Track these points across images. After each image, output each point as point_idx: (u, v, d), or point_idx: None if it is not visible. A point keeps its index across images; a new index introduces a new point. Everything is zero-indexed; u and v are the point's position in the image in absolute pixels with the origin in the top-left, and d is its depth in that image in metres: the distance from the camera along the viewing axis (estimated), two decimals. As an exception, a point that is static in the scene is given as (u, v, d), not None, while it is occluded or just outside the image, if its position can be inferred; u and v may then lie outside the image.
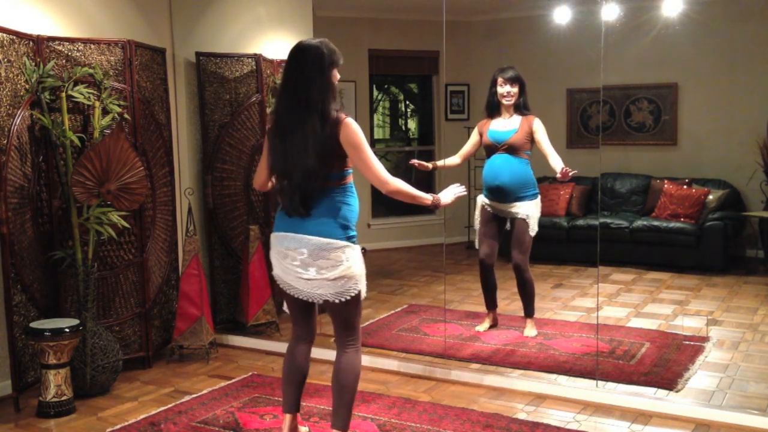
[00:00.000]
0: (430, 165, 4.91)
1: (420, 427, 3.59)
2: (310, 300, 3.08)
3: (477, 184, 6.24)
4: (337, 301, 3.03)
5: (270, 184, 3.32)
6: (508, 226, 4.88)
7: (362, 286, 3.09)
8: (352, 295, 3.05)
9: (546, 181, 6.77)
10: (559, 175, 4.52)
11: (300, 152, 2.95)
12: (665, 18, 6.40)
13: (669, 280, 6.45)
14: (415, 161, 4.76)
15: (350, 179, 3.10)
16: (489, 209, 4.90)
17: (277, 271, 3.15)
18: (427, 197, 3.19)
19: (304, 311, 3.23)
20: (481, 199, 4.96)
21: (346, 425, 3.16)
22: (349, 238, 3.05)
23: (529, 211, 4.76)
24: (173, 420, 3.73)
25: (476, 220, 5.01)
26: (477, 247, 5.02)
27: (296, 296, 3.11)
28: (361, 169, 3.02)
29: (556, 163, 4.63)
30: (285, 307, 3.30)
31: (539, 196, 4.83)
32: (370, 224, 7.67)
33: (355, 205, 3.12)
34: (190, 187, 5.00)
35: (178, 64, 5.10)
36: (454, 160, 5.03)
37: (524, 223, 4.76)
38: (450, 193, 3.30)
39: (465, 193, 3.36)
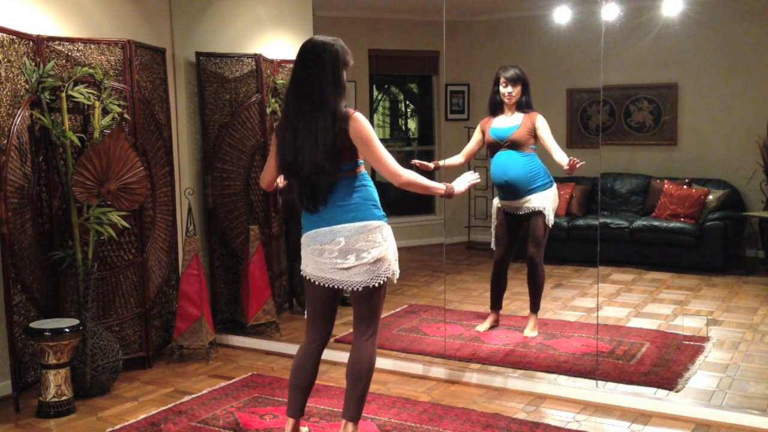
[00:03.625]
0: (431, 165, 4.90)
1: (420, 427, 3.59)
2: (351, 288, 3.08)
3: (478, 184, 6.25)
4: (375, 284, 3.05)
5: (276, 184, 3.35)
6: (525, 223, 4.86)
7: (395, 267, 3.13)
8: (386, 278, 3.08)
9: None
10: (566, 167, 4.49)
11: (310, 148, 2.96)
12: (665, 18, 6.40)
13: (669, 280, 6.45)
14: (416, 161, 4.76)
15: (362, 168, 3.11)
16: (504, 209, 4.89)
17: (310, 270, 3.15)
18: (440, 186, 3.19)
19: (327, 311, 3.23)
20: (496, 201, 4.96)
21: (357, 416, 3.16)
22: (381, 217, 3.09)
23: (543, 202, 4.73)
24: (173, 420, 3.73)
25: (493, 222, 4.99)
26: (493, 247, 5.01)
27: (329, 287, 3.11)
28: (372, 162, 3.03)
29: (561, 157, 4.60)
30: (305, 314, 3.28)
31: (554, 186, 4.79)
32: (370, 224, 7.66)
33: (373, 186, 3.13)
34: (190, 187, 5.00)
35: (178, 64, 5.10)
36: (457, 159, 5.01)
37: (540, 215, 4.74)
38: (464, 181, 3.29)
39: (479, 180, 3.35)
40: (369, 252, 3.02)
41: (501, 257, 4.94)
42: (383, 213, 3.13)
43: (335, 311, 3.27)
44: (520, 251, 5.02)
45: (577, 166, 4.44)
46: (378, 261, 3.04)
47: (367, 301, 3.12)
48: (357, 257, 3.02)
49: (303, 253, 3.19)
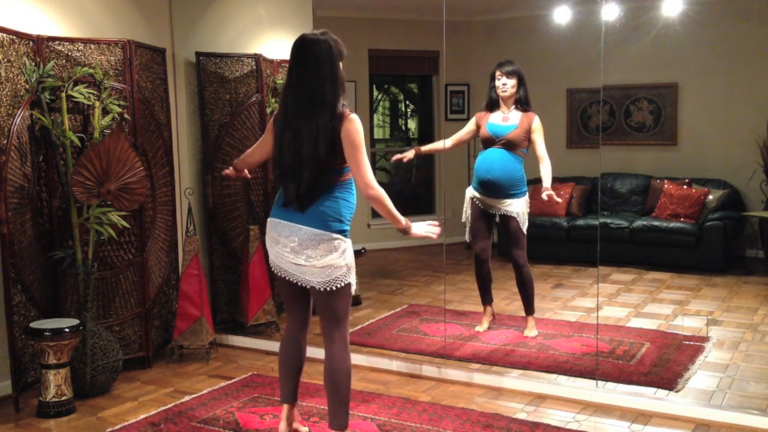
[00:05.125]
0: (411, 153, 4.92)
1: (420, 427, 3.59)
2: (300, 284, 3.11)
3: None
4: (322, 289, 3.05)
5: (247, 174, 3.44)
6: (497, 219, 4.89)
7: (351, 279, 3.11)
8: (339, 286, 3.06)
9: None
10: (544, 196, 4.62)
11: (313, 147, 2.97)
12: (665, 18, 6.40)
13: (669, 280, 6.45)
14: (396, 156, 4.81)
15: (350, 176, 3.11)
16: (479, 204, 4.90)
17: (272, 257, 3.19)
18: (401, 220, 3.15)
19: (298, 297, 3.25)
20: (471, 192, 4.94)
21: (345, 424, 3.16)
22: (340, 232, 3.07)
23: (520, 208, 4.77)
24: (173, 420, 3.73)
25: (466, 211, 5.00)
26: (467, 239, 5.02)
27: (287, 279, 3.14)
28: (352, 167, 3.03)
29: (546, 175, 4.69)
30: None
31: (527, 195, 4.84)
32: (370, 224, 7.67)
33: (352, 201, 3.13)
34: (190, 187, 5.00)
35: (178, 64, 5.10)
36: (440, 144, 5.08)
37: (516, 220, 4.77)
38: (422, 228, 3.21)
39: (435, 235, 3.23)
40: (317, 259, 3.02)
41: (480, 249, 4.95)
42: (346, 229, 3.11)
43: (306, 295, 3.26)
44: (505, 253, 5.03)
45: (554, 201, 4.59)
46: (327, 267, 3.03)
47: (324, 301, 3.11)
48: (306, 259, 3.04)
49: (266, 237, 3.20)
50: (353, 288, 3.14)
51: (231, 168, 3.64)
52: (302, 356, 3.31)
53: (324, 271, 3.03)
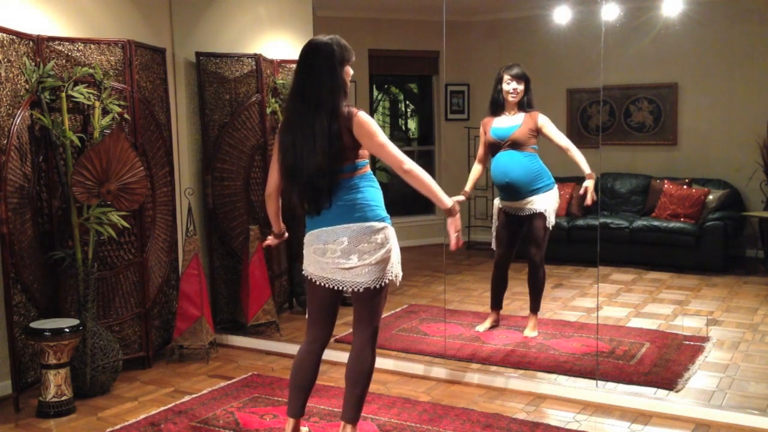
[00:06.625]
0: (461, 197, 4.79)
1: (420, 427, 3.59)
2: (353, 288, 3.07)
3: (478, 184, 6.20)
4: (377, 286, 3.05)
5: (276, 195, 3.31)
6: (524, 225, 4.85)
7: (398, 270, 3.13)
8: (389, 279, 3.08)
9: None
10: (582, 191, 4.58)
11: (309, 151, 2.97)
12: (665, 18, 6.40)
13: (669, 280, 6.45)
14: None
15: (367, 169, 3.09)
16: (505, 210, 4.88)
17: (312, 269, 3.14)
18: (446, 201, 3.04)
19: (329, 310, 3.22)
20: (497, 202, 4.94)
21: (356, 418, 3.17)
22: (382, 219, 3.07)
23: (545, 204, 4.72)
24: (173, 420, 3.73)
25: (494, 223, 4.98)
26: (493, 248, 5.00)
27: (330, 287, 3.10)
28: (377, 153, 3.01)
29: (580, 162, 4.61)
30: (306, 314, 3.28)
31: (556, 187, 4.78)
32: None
33: (378, 188, 3.12)
34: (190, 187, 5.00)
35: (178, 64, 5.10)
36: (477, 171, 4.99)
37: (541, 217, 4.73)
38: (456, 227, 3.09)
39: (453, 245, 3.12)
40: (371, 254, 3.02)
41: (501, 258, 4.93)
42: (387, 215, 3.11)
43: (336, 311, 3.27)
44: (521, 251, 5.02)
45: (590, 198, 4.53)
46: (381, 263, 3.04)
47: (368, 302, 3.12)
48: (359, 258, 3.02)
49: (305, 252, 3.18)
50: (399, 277, 3.14)
51: (271, 237, 3.51)
52: (317, 373, 3.28)
53: (377, 267, 3.03)
